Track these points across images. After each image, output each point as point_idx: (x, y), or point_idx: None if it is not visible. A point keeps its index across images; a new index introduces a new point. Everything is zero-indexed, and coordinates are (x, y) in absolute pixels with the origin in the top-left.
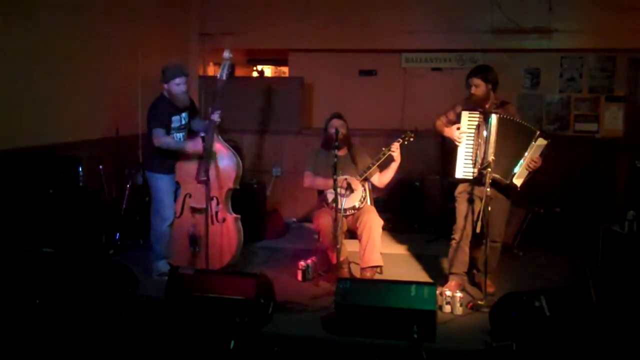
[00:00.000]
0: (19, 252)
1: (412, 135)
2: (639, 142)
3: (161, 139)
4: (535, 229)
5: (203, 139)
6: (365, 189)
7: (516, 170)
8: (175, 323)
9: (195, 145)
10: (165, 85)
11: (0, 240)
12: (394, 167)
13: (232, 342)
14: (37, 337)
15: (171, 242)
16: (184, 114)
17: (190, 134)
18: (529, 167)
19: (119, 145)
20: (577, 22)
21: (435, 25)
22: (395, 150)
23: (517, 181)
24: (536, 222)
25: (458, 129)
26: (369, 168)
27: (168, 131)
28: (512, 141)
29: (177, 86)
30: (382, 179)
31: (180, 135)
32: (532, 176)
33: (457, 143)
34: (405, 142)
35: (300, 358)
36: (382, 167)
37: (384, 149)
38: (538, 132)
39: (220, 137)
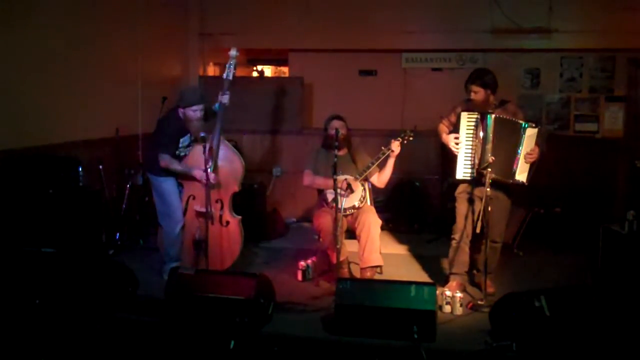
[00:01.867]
0: (19, 252)
1: (411, 134)
2: (639, 142)
3: (167, 163)
4: (535, 229)
5: (203, 139)
6: (365, 189)
7: (516, 167)
8: (175, 323)
9: (199, 169)
10: (181, 110)
11: (0, 240)
12: (391, 164)
13: (232, 342)
14: (37, 337)
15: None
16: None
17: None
18: (527, 159)
19: (119, 145)
20: (577, 22)
21: (435, 25)
22: (396, 149)
23: (521, 177)
24: (536, 222)
25: (456, 138)
26: (369, 167)
27: (176, 149)
28: (506, 140)
29: (194, 112)
30: (382, 178)
31: (187, 151)
32: (536, 168)
33: (454, 151)
34: (405, 142)
35: (300, 358)
36: (381, 167)
37: (383, 148)
38: (524, 124)
39: (224, 139)
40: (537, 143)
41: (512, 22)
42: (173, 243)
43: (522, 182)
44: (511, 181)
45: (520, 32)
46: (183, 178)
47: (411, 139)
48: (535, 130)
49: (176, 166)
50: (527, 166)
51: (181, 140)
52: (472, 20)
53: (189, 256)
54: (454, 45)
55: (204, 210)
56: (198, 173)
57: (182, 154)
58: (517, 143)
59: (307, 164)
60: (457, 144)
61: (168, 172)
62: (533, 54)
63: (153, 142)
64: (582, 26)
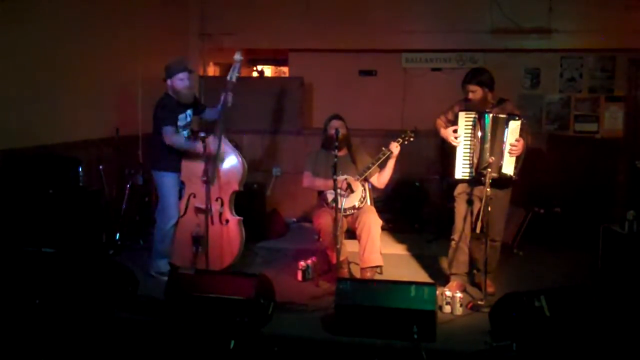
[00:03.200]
0: (19, 252)
1: (412, 135)
2: (639, 142)
3: (173, 138)
4: (535, 229)
5: (203, 139)
6: (365, 189)
7: (502, 160)
8: (175, 323)
9: (202, 147)
10: (169, 82)
11: (0, 240)
12: (391, 165)
13: (232, 342)
14: (37, 337)
15: (174, 241)
16: (188, 112)
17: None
18: (511, 152)
19: (119, 145)
20: (577, 22)
21: (435, 25)
22: (395, 150)
23: (507, 170)
24: (536, 222)
25: (455, 131)
26: (369, 168)
27: (176, 126)
28: (497, 136)
29: (181, 81)
30: (381, 179)
31: (185, 132)
32: (522, 161)
33: (454, 143)
34: (405, 142)
35: (300, 358)
36: (381, 167)
37: (383, 148)
38: (507, 117)
39: (225, 138)
40: (521, 136)
41: (512, 22)
42: (163, 238)
43: (510, 175)
44: (497, 175)
45: (520, 32)
46: (185, 174)
47: (412, 139)
48: (518, 122)
49: (181, 141)
50: (513, 159)
51: (179, 117)
52: (472, 20)
53: (188, 253)
54: (454, 45)
55: (203, 206)
56: (200, 147)
57: (182, 133)
58: (503, 136)
59: (306, 166)
60: (456, 137)
61: (169, 168)
62: (533, 54)
63: (153, 132)
64: (582, 26)
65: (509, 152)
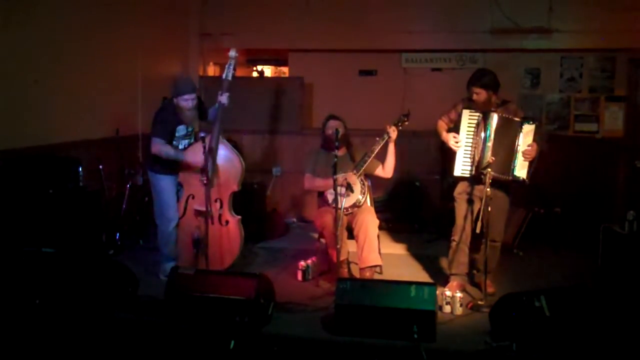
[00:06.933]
0: (19, 252)
1: (406, 119)
2: (639, 142)
3: (159, 147)
4: (535, 229)
5: (203, 139)
6: (364, 183)
7: (514, 164)
8: (175, 323)
9: (194, 157)
10: (174, 100)
11: (0, 240)
12: (392, 150)
13: (232, 342)
14: (37, 337)
15: (176, 243)
16: None
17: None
18: (526, 155)
19: (119, 145)
20: (577, 22)
21: (435, 25)
22: (393, 133)
23: (521, 173)
24: (536, 222)
25: (455, 137)
26: (365, 161)
27: (172, 139)
28: (505, 138)
29: (186, 102)
30: (387, 167)
31: (185, 142)
32: (536, 168)
33: (454, 149)
34: (400, 127)
35: (300, 358)
36: (382, 158)
37: (377, 139)
38: (521, 120)
39: (224, 138)
40: (535, 140)
41: (512, 22)
42: (166, 242)
43: (523, 178)
44: (510, 178)
45: (520, 32)
46: (183, 175)
47: (406, 122)
48: (533, 126)
49: (169, 151)
50: (526, 163)
51: (178, 128)
52: (472, 20)
53: (188, 255)
54: (454, 45)
55: (202, 209)
56: (191, 158)
57: (181, 146)
58: (515, 140)
59: (306, 167)
60: (456, 142)
61: (166, 170)
62: (533, 54)
63: (150, 135)
64: (582, 26)
65: (524, 155)
